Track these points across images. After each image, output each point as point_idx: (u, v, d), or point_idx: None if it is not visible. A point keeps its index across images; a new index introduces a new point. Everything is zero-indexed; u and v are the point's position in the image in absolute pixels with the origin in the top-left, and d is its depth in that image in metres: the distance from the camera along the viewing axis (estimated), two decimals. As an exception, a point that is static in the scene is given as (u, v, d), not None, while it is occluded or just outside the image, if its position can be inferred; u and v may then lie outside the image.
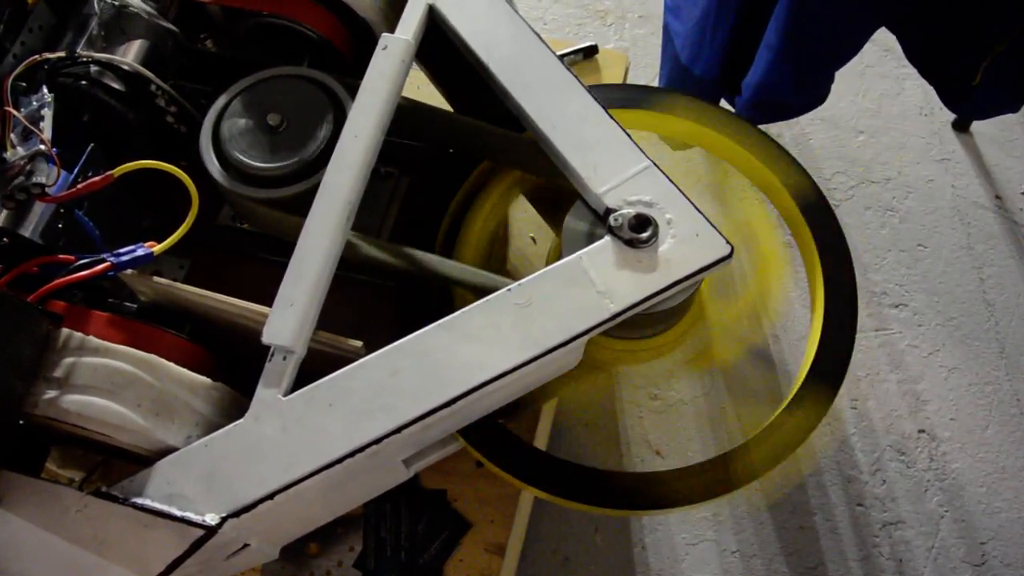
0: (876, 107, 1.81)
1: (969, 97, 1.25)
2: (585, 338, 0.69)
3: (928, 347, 1.57)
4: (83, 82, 0.83)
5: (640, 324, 0.81)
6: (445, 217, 0.87)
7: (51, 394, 0.68)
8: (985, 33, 1.11)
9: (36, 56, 0.82)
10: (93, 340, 0.70)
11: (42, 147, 0.76)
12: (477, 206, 0.87)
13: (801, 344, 1.53)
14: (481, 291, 0.73)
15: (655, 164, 0.75)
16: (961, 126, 1.78)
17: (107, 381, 0.69)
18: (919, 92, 1.81)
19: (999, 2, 1.07)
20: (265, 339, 0.69)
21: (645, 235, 0.71)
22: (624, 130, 0.76)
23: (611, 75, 1.18)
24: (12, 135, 0.77)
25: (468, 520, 0.90)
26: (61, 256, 0.75)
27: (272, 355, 0.70)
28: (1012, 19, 1.08)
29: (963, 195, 1.71)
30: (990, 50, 1.12)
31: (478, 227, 0.86)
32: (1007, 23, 1.08)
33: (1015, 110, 1.32)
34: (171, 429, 0.70)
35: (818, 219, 0.86)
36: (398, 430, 0.66)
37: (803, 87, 1.26)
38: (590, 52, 1.19)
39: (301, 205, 0.75)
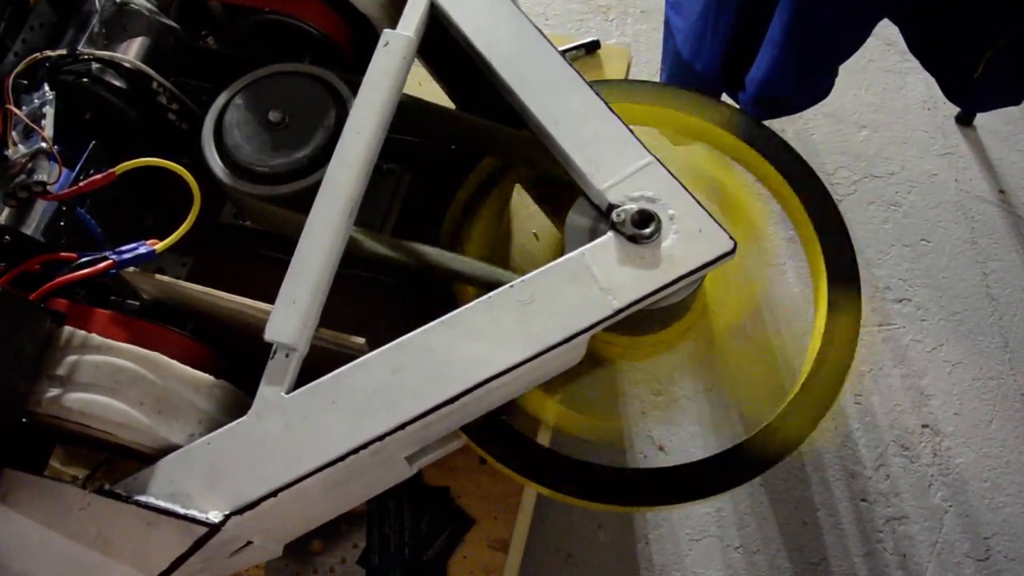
0: (879, 101, 1.80)
1: (971, 91, 1.25)
2: (588, 335, 0.69)
3: (932, 342, 1.57)
4: (84, 80, 0.83)
5: (644, 320, 0.81)
6: (448, 214, 0.86)
7: (54, 392, 0.68)
8: (985, 32, 1.11)
9: (37, 54, 0.82)
10: (95, 338, 0.70)
11: (44, 145, 0.76)
12: (479, 203, 0.87)
13: (804, 340, 1.53)
14: (484, 285, 0.73)
15: (657, 159, 0.74)
16: (964, 120, 1.77)
17: (110, 379, 0.69)
18: (922, 86, 1.80)
19: (998, 2, 1.07)
20: (267, 336, 0.69)
21: (648, 231, 0.71)
22: (626, 126, 0.76)
23: (613, 71, 1.18)
24: (14, 133, 0.77)
25: (471, 516, 0.90)
26: (63, 254, 0.75)
27: (274, 353, 0.70)
28: (1011, 18, 1.07)
29: (966, 189, 1.71)
30: (990, 47, 1.12)
31: (481, 224, 0.86)
32: (1006, 22, 1.08)
33: (1017, 103, 1.32)
34: (174, 427, 0.70)
35: (765, 145, 0.88)
36: (401, 427, 0.66)
37: (806, 82, 1.25)
38: (592, 48, 1.19)
39: (303, 202, 0.75)
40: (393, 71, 0.78)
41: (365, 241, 0.79)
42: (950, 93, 1.32)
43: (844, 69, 1.25)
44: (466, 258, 0.80)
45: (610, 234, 0.72)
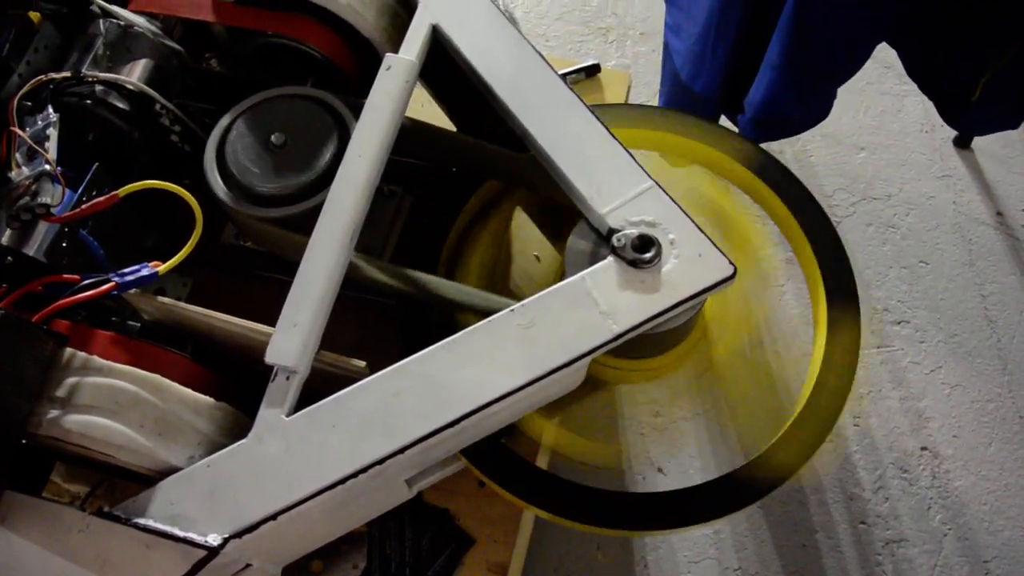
0: (877, 124, 1.81)
1: (968, 112, 1.25)
2: (588, 359, 0.69)
3: (930, 364, 1.57)
4: (88, 102, 0.83)
5: (644, 343, 0.81)
6: (449, 236, 0.87)
7: (54, 414, 0.68)
8: (982, 55, 1.12)
9: (42, 76, 0.83)
10: (96, 360, 0.70)
11: (47, 167, 0.76)
12: (481, 225, 0.87)
13: (803, 362, 1.53)
14: (483, 313, 0.73)
15: (658, 184, 0.75)
16: (962, 142, 1.78)
17: (110, 401, 0.69)
18: (920, 109, 1.81)
19: (996, 20, 1.08)
20: (268, 359, 0.69)
21: (648, 255, 0.71)
22: (627, 150, 0.76)
23: (613, 94, 1.19)
24: (17, 155, 0.78)
25: (471, 537, 0.90)
26: (66, 276, 0.76)
27: (275, 375, 0.70)
28: (1009, 41, 1.08)
29: (964, 212, 1.71)
30: (989, 67, 1.13)
31: (482, 246, 0.86)
32: (1004, 45, 1.09)
33: (1015, 126, 1.32)
34: (174, 449, 0.70)
35: (763, 168, 0.89)
36: (401, 451, 0.66)
37: (806, 104, 1.26)
38: (592, 71, 1.20)
39: (305, 224, 0.75)
40: (395, 94, 0.78)
41: (364, 268, 0.79)
42: (948, 116, 1.33)
43: (842, 92, 1.26)
44: (464, 286, 0.80)
45: (610, 258, 0.72)
